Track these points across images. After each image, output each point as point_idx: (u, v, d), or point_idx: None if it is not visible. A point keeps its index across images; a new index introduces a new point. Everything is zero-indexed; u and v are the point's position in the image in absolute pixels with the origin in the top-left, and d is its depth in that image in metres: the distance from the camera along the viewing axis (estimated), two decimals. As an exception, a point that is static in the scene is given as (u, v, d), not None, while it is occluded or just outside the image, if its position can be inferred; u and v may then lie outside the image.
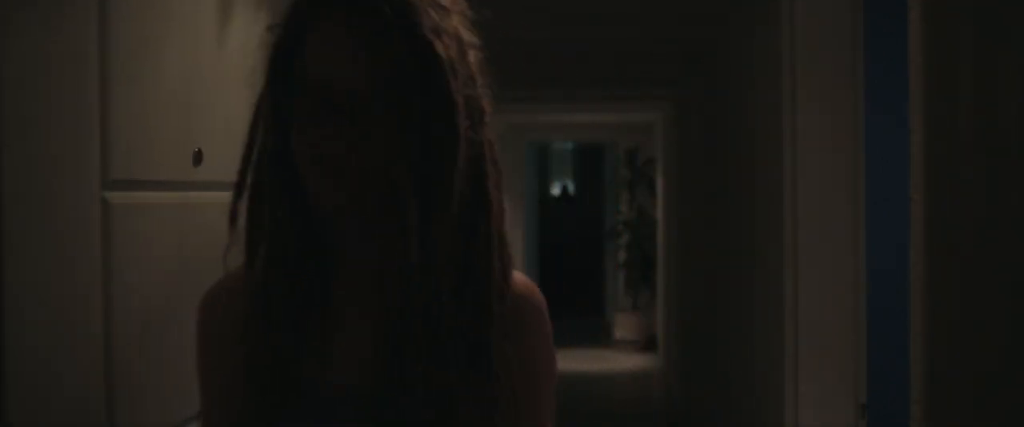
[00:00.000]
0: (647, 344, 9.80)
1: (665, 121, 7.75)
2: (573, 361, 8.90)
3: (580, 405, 7.05)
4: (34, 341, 1.17)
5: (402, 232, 1.02)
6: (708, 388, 4.66)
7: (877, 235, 2.84)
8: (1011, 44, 1.19)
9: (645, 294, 10.13)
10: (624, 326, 10.26)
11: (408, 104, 1.00)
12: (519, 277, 1.15)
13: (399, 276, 1.04)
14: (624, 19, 4.37)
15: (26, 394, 1.15)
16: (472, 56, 1.07)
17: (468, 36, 1.07)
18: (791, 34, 2.62)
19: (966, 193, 1.44)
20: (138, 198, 1.43)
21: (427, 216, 1.02)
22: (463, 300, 1.05)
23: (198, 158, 1.57)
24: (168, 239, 1.51)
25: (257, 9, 1.79)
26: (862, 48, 2.55)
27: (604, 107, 8.32)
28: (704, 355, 4.86)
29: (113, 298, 1.34)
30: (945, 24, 1.40)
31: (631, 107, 8.26)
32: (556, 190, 13.99)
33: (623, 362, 9.21)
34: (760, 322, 3.14)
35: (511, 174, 10.02)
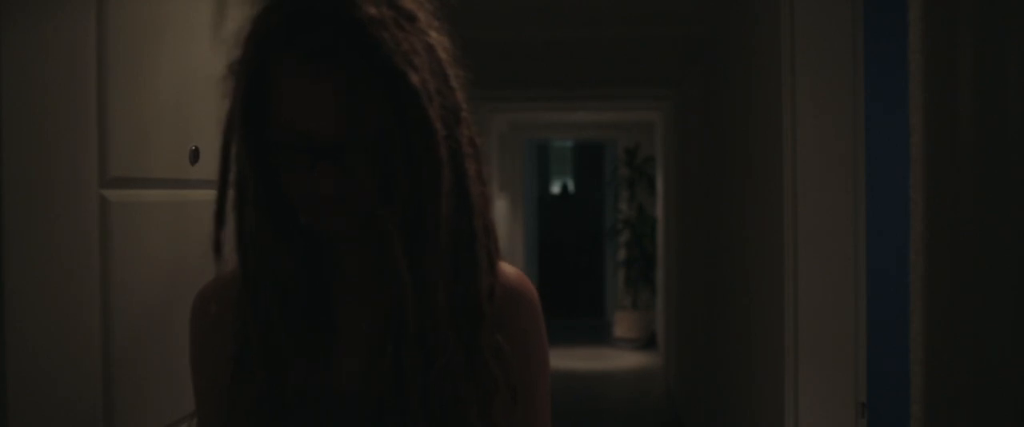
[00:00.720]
0: (647, 342, 9.82)
1: (665, 119, 7.74)
2: (573, 359, 8.91)
3: (580, 403, 7.05)
4: (32, 339, 1.17)
5: (391, 267, 1.02)
6: (708, 386, 4.66)
7: (877, 235, 2.84)
8: (1012, 42, 1.19)
9: (645, 292, 10.14)
10: (624, 324, 10.27)
11: (388, 141, 0.99)
12: (509, 269, 1.15)
13: (392, 293, 1.04)
14: (623, 18, 4.37)
15: (23, 392, 1.14)
16: (443, 55, 1.05)
17: (436, 36, 1.05)
18: (791, 33, 2.62)
19: (966, 192, 1.43)
20: (136, 196, 1.42)
21: (416, 246, 1.02)
22: (454, 300, 1.05)
23: (195, 156, 1.56)
24: (166, 236, 1.50)
25: (251, 9, 1.78)
26: (862, 46, 2.55)
27: (604, 106, 8.33)
28: (704, 353, 4.86)
29: (111, 296, 1.34)
30: (945, 23, 1.39)
31: (631, 106, 8.26)
32: (556, 188, 14.00)
33: (623, 360, 9.22)
34: (760, 320, 3.14)
35: (511, 173, 10.04)
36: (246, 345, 1.08)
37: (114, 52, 1.35)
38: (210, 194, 1.57)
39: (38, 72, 1.20)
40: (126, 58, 1.39)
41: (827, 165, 2.62)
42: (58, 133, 1.24)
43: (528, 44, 4.89)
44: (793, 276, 2.65)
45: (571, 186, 13.74)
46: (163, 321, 1.46)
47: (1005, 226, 1.28)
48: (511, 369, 1.10)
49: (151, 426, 1.45)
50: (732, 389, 3.85)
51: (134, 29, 1.41)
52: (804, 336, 2.65)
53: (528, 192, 11.27)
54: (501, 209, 8.56)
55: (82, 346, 1.28)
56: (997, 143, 1.27)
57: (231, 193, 1.06)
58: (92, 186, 1.31)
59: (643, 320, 10.08)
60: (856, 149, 2.59)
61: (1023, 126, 1.17)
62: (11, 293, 1.13)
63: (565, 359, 8.86)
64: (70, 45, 1.26)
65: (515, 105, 7.92)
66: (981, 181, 1.35)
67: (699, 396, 5.03)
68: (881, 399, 2.90)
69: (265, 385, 1.08)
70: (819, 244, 2.63)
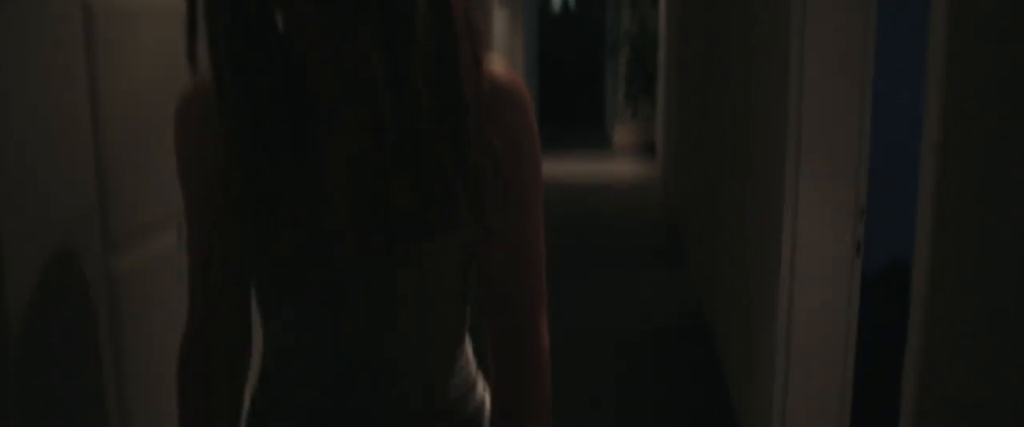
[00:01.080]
0: (646, 149, 9.98)
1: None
2: (574, 164, 9.09)
3: (582, 207, 7.13)
4: (23, 146, 1.15)
5: (365, 70, 1.00)
6: (706, 193, 4.70)
7: (888, 41, 2.78)
8: None
9: (645, 105, 10.19)
10: (623, 134, 10.43)
11: None
12: (500, 69, 1.13)
13: (371, 94, 1.01)
14: None
15: (16, 200, 1.13)
16: None
17: None
18: None
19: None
20: (121, 1, 1.38)
21: (392, 45, 0.99)
22: (437, 96, 1.03)
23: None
24: (153, 40, 1.46)
25: None
26: None
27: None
28: (702, 161, 4.87)
29: (100, 101, 1.31)
30: None
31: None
32: (557, 4, 13.74)
33: (621, 167, 9.35)
34: (760, 125, 3.12)
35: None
36: (229, 157, 1.08)
37: None
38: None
39: None
40: None
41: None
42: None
43: None
44: (799, 84, 2.61)
45: (572, 2, 13.48)
46: (154, 125, 1.44)
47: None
48: (501, 164, 1.09)
49: (147, 222, 1.46)
50: (731, 195, 3.87)
51: None
52: (806, 140, 2.64)
53: (528, 7, 11.05)
54: (500, 23, 8.41)
55: (74, 151, 1.27)
56: None
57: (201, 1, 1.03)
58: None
59: (642, 129, 10.24)
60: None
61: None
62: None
63: (566, 164, 9.00)
64: None
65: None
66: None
67: (697, 202, 5.08)
68: (880, 203, 2.92)
69: (248, 195, 1.08)
70: (826, 50, 2.58)
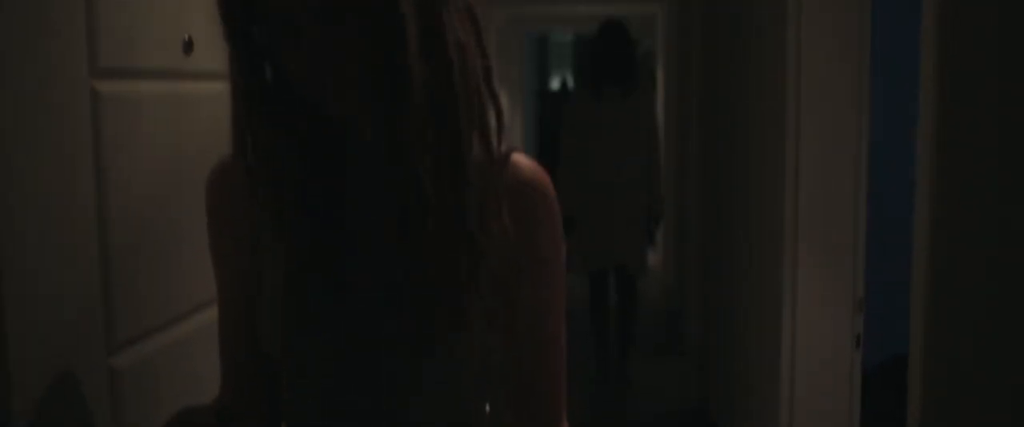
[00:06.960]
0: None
1: (667, 14, 7.62)
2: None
3: (578, 291, 7.05)
4: (26, 238, 1.14)
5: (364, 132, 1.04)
6: (708, 284, 4.69)
7: (882, 118, 2.81)
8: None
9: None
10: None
11: (356, 8, 0.97)
12: (523, 160, 1.14)
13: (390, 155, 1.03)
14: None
15: (20, 291, 1.13)
16: None
17: None
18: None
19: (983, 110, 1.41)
20: (128, 88, 1.38)
21: (391, 111, 1.00)
22: (437, 165, 1.03)
23: (189, 46, 1.52)
24: (160, 129, 1.47)
25: None
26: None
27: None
28: (703, 252, 4.87)
29: (106, 191, 1.31)
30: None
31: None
32: (555, 84, 13.89)
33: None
34: (759, 218, 3.13)
35: (509, 68, 9.92)
36: (262, 231, 1.11)
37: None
38: (204, 86, 1.54)
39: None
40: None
41: (834, 71, 2.58)
42: (46, 21, 1.19)
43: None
44: (794, 179, 2.63)
45: (570, 82, 13.62)
46: (161, 216, 1.44)
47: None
48: (518, 254, 1.10)
49: (152, 321, 1.44)
50: (730, 285, 3.86)
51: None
52: (803, 232, 2.65)
53: (528, 88, 11.16)
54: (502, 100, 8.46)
55: (78, 243, 1.26)
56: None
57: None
58: (82, 76, 1.27)
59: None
60: (862, 38, 2.55)
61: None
62: (2, 190, 1.10)
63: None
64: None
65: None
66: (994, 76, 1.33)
67: (698, 294, 5.07)
68: (878, 295, 2.91)
69: (283, 271, 1.09)
70: (821, 147, 2.60)
